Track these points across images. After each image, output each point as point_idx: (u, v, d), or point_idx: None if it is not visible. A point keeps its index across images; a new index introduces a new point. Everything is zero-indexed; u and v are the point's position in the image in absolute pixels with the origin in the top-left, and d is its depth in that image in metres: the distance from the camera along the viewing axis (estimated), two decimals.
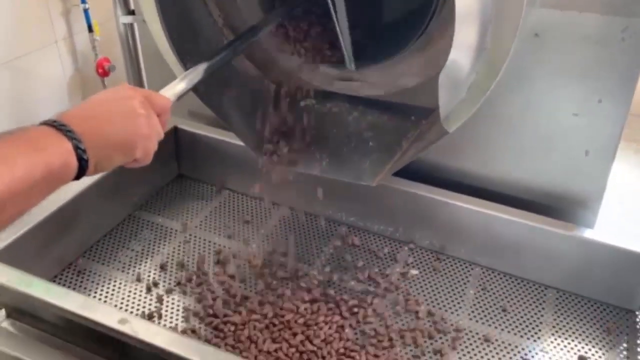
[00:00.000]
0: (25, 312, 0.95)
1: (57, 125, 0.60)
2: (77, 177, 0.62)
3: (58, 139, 0.59)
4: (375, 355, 0.95)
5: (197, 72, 0.85)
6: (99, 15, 2.17)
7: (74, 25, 2.17)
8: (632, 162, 2.13)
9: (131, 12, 1.41)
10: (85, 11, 2.12)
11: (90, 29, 2.16)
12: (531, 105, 1.05)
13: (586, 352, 0.99)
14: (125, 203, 1.23)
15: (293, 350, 0.95)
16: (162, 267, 1.11)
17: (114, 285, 1.07)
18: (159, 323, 1.00)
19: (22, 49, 2.04)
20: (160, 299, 1.04)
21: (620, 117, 1.00)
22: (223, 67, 0.92)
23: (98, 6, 2.15)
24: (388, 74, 1.07)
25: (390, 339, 0.98)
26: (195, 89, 0.89)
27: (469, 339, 1.00)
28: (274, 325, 0.99)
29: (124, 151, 0.67)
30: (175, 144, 1.32)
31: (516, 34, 0.79)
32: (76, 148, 0.60)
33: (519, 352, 0.98)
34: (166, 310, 1.02)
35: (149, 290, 1.06)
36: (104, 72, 2.24)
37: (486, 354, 0.97)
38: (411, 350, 0.97)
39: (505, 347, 0.99)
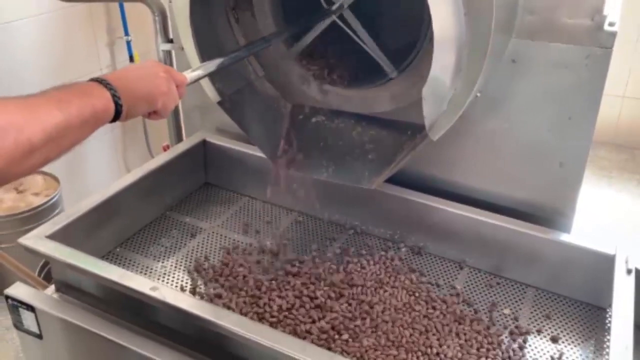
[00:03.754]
0: (72, 286, 1.12)
1: (100, 80, 0.80)
2: (114, 119, 0.81)
3: (101, 90, 0.79)
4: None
5: (211, 64, 1.02)
6: (140, 47, 2.40)
7: (117, 56, 2.41)
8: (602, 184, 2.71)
9: (170, 41, 1.63)
10: (128, 42, 2.35)
11: (131, 58, 2.39)
12: (510, 123, 1.20)
13: (558, 344, 1.10)
14: (159, 204, 1.40)
15: None
16: (189, 258, 1.27)
17: (147, 271, 1.23)
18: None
19: (70, 76, 2.26)
20: (187, 288, 1.20)
21: (588, 132, 1.14)
22: (234, 64, 1.09)
23: (139, 38, 2.38)
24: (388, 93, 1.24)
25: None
26: (210, 76, 1.08)
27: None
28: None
29: (148, 102, 0.86)
30: (204, 155, 1.49)
31: (486, 56, 0.95)
32: (113, 96, 0.79)
33: (498, 343, 1.10)
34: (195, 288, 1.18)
35: (178, 277, 1.23)
36: None
37: (466, 344, 1.09)
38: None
39: (487, 337, 1.10)
